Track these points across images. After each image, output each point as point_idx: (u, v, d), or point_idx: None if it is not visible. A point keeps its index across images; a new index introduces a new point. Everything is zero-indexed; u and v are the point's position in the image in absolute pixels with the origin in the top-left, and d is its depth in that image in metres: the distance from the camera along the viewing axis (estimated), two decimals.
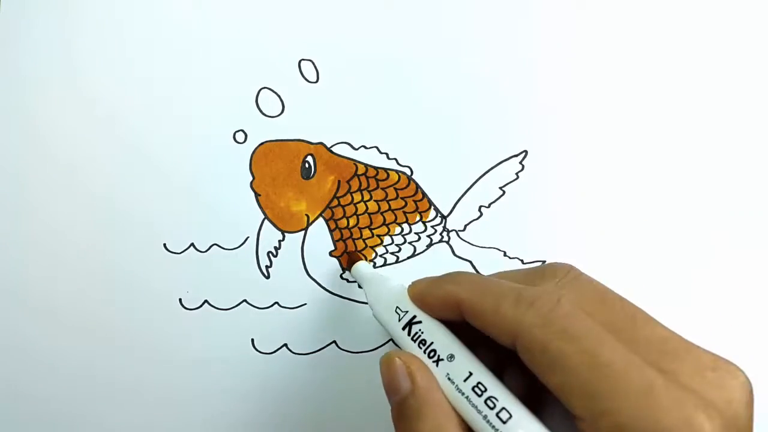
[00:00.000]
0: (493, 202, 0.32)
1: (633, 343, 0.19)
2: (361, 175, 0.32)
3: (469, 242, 0.32)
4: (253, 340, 0.33)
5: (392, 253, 0.33)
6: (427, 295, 0.25)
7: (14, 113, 0.32)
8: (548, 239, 0.32)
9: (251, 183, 0.32)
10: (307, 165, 0.32)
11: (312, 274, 0.33)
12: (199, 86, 0.32)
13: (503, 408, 0.21)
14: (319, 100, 0.32)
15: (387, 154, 0.32)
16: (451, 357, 0.23)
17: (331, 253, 0.33)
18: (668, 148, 0.32)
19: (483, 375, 0.22)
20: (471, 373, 0.22)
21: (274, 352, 0.33)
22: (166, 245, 0.32)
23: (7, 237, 0.32)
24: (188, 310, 0.33)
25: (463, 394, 0.22)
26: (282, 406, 0.33)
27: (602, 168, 0.32)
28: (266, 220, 0.32)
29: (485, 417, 0.21)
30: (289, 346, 0.33)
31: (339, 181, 0.32)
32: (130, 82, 0.32)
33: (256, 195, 0.32)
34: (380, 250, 0.33)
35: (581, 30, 0.32)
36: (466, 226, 0.32)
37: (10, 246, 0.32)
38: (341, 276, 0.33)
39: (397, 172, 0.32)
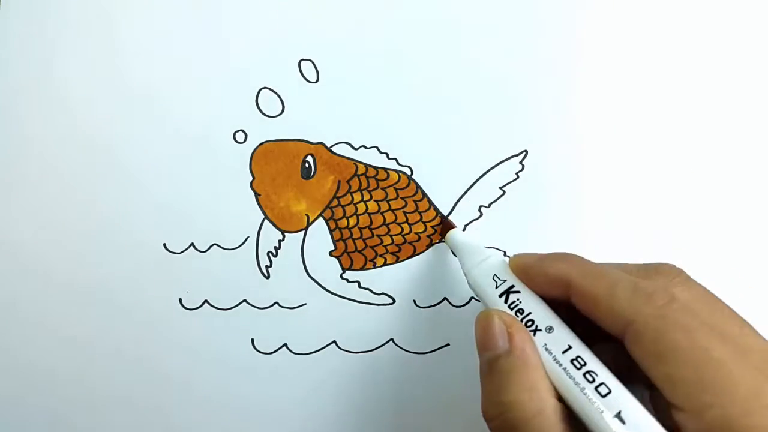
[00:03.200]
0: (493, 202, 0.32)
1: (739, 349, 0.20)
2: (361, 175, 0.32)
3: None
4: (253, 340, 0.33)
5: (392, 253, 0.33)
6: (534, 270, 0.25)
7: (14, 113, 0.32)
8: (548, 239, 0.32)
9: (251, 183, 0.32)
10: (307, 165, 0.32)
11: (312, 274, 0.33)
12: (199, 86, 0.32)
13: (602, 383, 0.21)
14: (319, 100, 0.32)
15: (387, 154, 0.32)
16: (549, 329, 0.23)
17: (331, 253, 0.33)
18: (669, 147, 0.32)
19: (582, 350, 0.22)
20: (570, 347, 0.23)
21: (274, 352, 0.33)
22: (166, 245, 0.32)
23: (7, 236, 0.32)
24: (188, 310, 0.33)
25: (560, 365, 0.22)
26: (282, 406, 0.33)
27: (602, 168, 0.32)
28: (266, 220, 0.32)
29: (583, 389, 0.21)
30: (289, 346, 0.33)
31: (339, 181, 0.32)
32: (130, 82, 0.32)
33: (256, 195, 0.32)
34: (380, 250, 0.33)
35: (581, 30, 0.32)
36: (466, 226, 0.32)
37: (10, 246, 0.32)
38: (341, 276, 0.33)
39: (397, 172, 0.32)
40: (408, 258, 0.33)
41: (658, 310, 0.21)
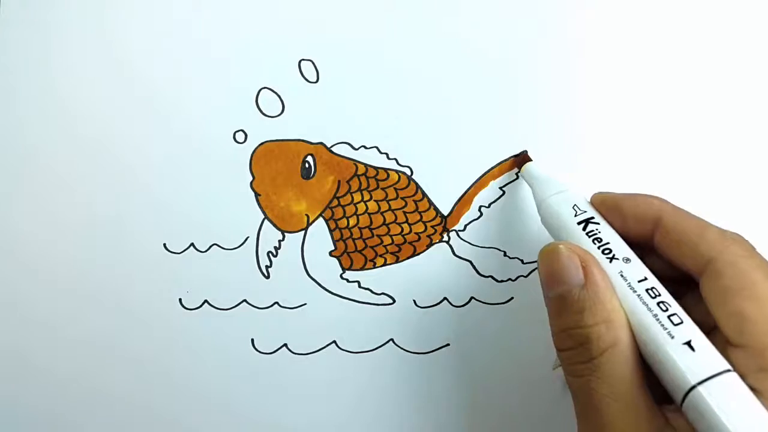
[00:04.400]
0: (493, 202, 0.32)
1: None
2: (361, 175, 0.32)
3: (469, 242, 0.32)
4: (253, 340, 0.33)
5: (392, 253, 0.33)
6: (624, 204, 0.26)
7: (13, 113, 0.32)
8: (548, 239, 0.32)
9: (251, 183, 0.32)
10: (307, 165, 0.32)
11: (312, 274, 0.33)
12: (199, 86, 0.32)
13: (675, 313, 0.22)
14: (319, 100, 0.32)
15: (387, 154, 0.32)
16: (627, 260, 0.24)
17: (331, 253, 0.33)
18: (670, 147, 0.32)
19: (657, 283, 0.23)
20: (646, 278, 0.23)
21: (274, 352, 0.33)
22: (166, 245, 0.32)
23: (7, 236, 0.32)
24: (188, 310, 0.33)
25: (635, 292, 0.23)
26: (282, 407, 0.33)
27: (603, 168, 0.32)
28: (266, 220, 0.32)
29: (656, 316, 0.22)
30: (289, 346, 0.33)
31: (339, 181, 0.32)
32: (129, 82, 0.32)
33: (256, 195, 0.32)
34: (380, 250, 0.33)
35: (582, 30, 0.32)
36: (466, 226, 0.32)
37: (9, 246, 0.33)
38: (341, 276, 0.33)
39: (397, 172, 0.32)
40: (408, 258, 0.33)
41: (745, 251, 0.22)
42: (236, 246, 0.32)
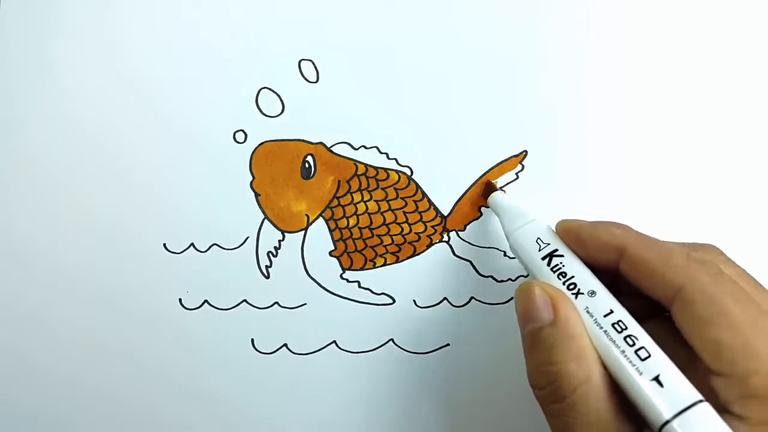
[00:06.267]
0: None
1: None
2: (361, 175, 0.32)
3: (469, 242, 0.32)
4: (253, 340, 0.33)
5: (392, 253, 0.33)
6: (587, 234, 0.25)
7: (13, 114, 0.32)
8: None
9: (251, 183, 0.32)
10: (307, 165, 0.32)
11: (312, 274, 0.33)
12: (200, 86, 0.32)
13: (642, 347, 0.22)
14: (319, 100, 0.32)
15: (387, 154, 0.32)
16: (592, 293, 0.24)
17: (331, 253, 0.33)
18: (671, 147, 0.32)
19: (624, 314, 0.23)
20: (612, 311, 0.23)
21: (274, 352, 0.33)
22: (166, 245, 0.32)
23: (7, 237, 0.32)
24: (188, 310, 0.33)
25: (601, 328, 0.23)
26: (282, 406, 0.33)
27: (602, 168, 0.32)
28: (266, 220, 0.32)
29: (623, 352, 0.22)
30: (289, 346, 0.33)
31: (339, 181, 0.32)
32: (129, 82, 0.32)
33: (256, 195, 0.32)
34: (380, 250, 0.33)
35: (582, 29, 0.32)
36: (466, 226, 0.32)
37: (10, 246, 0.32)
38: (341, 276, 0.33)
39: (397, 172, 0.32)
40: (408, 258, 0.33)
41: (711, 277, 0.22)
42: (236, 246, 0.32)
